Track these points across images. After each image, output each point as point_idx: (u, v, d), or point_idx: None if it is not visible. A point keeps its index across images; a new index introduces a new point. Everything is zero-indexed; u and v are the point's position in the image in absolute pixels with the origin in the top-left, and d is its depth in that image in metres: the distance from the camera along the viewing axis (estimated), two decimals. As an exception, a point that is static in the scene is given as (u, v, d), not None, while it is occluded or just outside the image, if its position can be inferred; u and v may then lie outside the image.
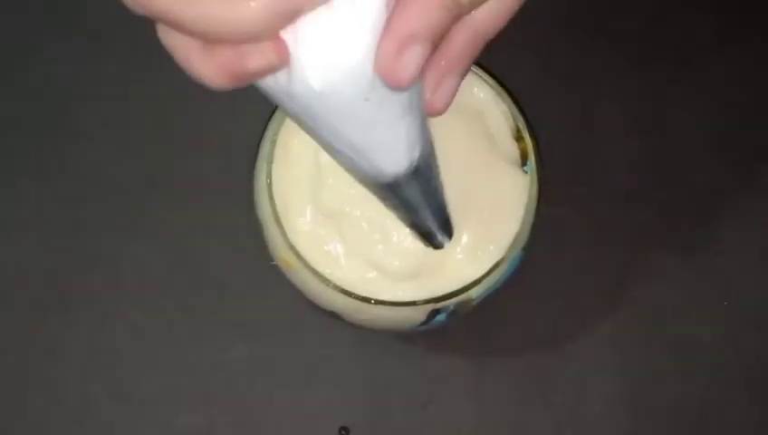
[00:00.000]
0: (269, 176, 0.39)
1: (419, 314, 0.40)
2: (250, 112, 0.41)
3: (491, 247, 0.39)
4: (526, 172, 0.40)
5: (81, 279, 0.48)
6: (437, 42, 0.24)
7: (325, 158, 0.39)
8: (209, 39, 0.23)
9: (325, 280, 0.38)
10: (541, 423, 0.47)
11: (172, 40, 0.24)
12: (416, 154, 0.29)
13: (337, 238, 0.39)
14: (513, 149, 0.41)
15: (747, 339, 0.49)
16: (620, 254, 0.50)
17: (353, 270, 0.39)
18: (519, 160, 0.41)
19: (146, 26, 0.49)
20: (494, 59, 0.51)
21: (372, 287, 0.39)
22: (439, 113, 0.27)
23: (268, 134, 0.40)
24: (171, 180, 0.50)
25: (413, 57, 0.23)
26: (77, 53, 0.51)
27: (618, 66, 0.53)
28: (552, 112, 0.51)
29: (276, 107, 0.40)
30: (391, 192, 0.31)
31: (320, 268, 0.39)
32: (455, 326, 0.45)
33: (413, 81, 0.24)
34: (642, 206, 0.50)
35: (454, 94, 0.26)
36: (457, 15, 0.24)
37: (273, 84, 0.25)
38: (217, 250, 0.49)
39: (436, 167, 0.33)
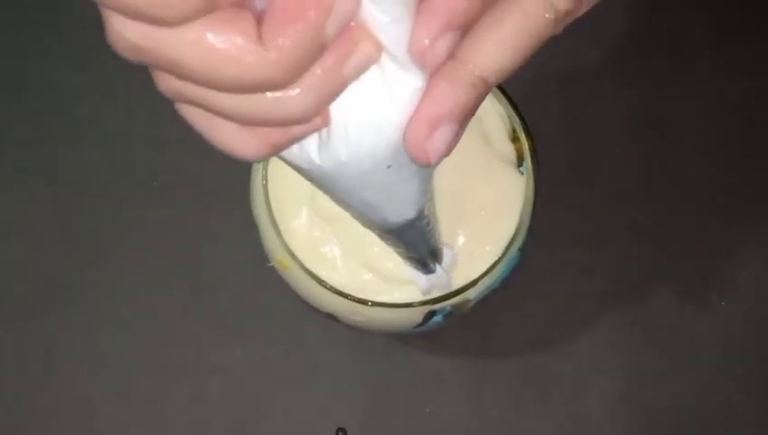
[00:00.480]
0: (265, 177, 0.39)
1: (416, 316, 0.40)
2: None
3: (487, 248, 0.39)
4: (522, 173, 0.40)
5: (78, 281, 0.48)
6: (467, 121, 0.24)
7: None
8: (253, 125, 0.22)
9: (321, 282, 0.38)
10: (538, 424, 0.47)
11: (196, 117, 0.23)
12: (423, 203, 0.29)
13: (333, 240, 0.39)
14: (509, 150, 0.41)
15: (745, 338, 0.49)
16: (617, 254, 0.50)
17: (349, 272, 0.39)
18: (515, 161, 0.41)
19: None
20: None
21: (368, 289, 0.39)
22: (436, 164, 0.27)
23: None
24: (167, 181, 0.50)
25: (443, 137, 0.23)
26: (74, 53, 0.51)
27: (614, 67, 0.53)
28: (549, 113, 0.51)
29: None
30: (393, 235, 0.31)
31: (316, 270, 0.38)
32: (452, 327, 0.45)
33: (441, 158, 0.24)
34: (639, 206, 0.50)
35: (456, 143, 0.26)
36: (485, 93, 0.24)
37: (296, 151, 0.24)
38: (214, 252, 0.49)
39: (433, 204, 0.34)
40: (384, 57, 0.22)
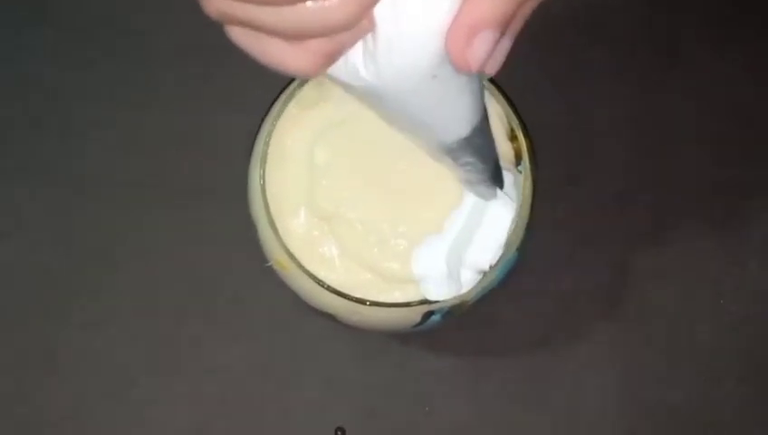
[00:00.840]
0: (262, 177, 0.39)
1: (415, 315, 0.40)
2: (245, 111, 0.41)
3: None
4: (520, 172, 0.40)
5: (76, 281, 0.48)
6: (506, 28, 0.24)
7: (320, 159, 0.39)
8: (301, 38, 0.23)
9: (320, 282, 0.38)
10: (537, 423, 0.47)
11: (245, 38, 0.24)
12: (477, 119, 0.29)
13: (331, 240, 0.39)
14: (507, 149, 0.41)
15: (744, 338, 0.49)
16: (615, 253, 0.50)
17: (348, 272, 0.39)
18: (513, 161, 0.41)
19: (138, 27, 0.49)
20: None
21: (367, 289, 0.39)
22: (491, 75, 0.27)
23: (262, 134, 0.40)
24: (165, 181, 0.50)
25: (483, 44, 0.24)
26: (73, 54, 0.51)
27: (611, 67, 0.53)
28: (547, 113, 0.51)
29: (271, 105, 0.40)
30: (450, 155, 0.32)
31: (314, 270, 0.38)
32: (451, 326, 0.45)
33: (482, 66, 0.24)
34: (637, 205, 0.50)
35: (505, 56, 0.26)
36: (523, 3, 0.25)
37: (342, 67, 0.25)
38: (213, 251, 0.49)
39: (488, 123, 0.34)
40: None
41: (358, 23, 0.22)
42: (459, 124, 0.29)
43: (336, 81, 0.25)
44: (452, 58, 0.24)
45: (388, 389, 0.47)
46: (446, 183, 0.39)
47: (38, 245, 0.49)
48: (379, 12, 0.23)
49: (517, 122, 0.40)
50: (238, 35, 0.24)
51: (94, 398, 0.47)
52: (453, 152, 0.31)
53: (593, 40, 0.53)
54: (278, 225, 0.39)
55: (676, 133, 0.52)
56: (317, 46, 0.23)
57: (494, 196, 0.38)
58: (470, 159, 0.33)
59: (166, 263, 0.48)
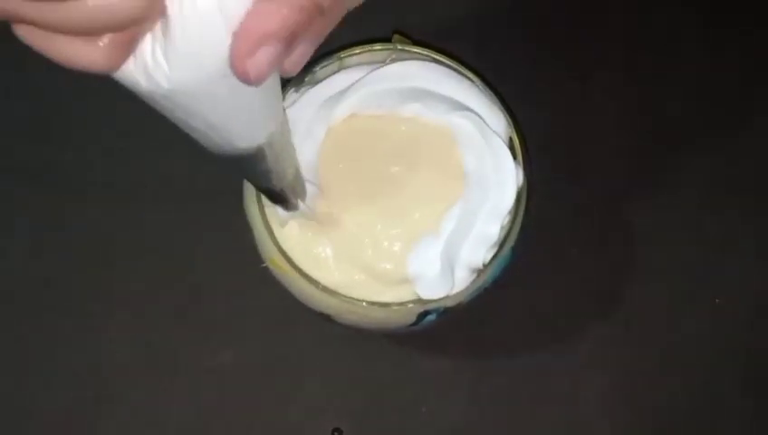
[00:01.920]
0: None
1: (410, 315, 0.40)
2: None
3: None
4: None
5: (73, 283, 0.48)
6: (293, 42, 0.23)
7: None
8: (91, 34, 0.22)
9: (314, 282, 0.38)
10: (535, 423, 0.47)
11: (35, 39, 0.23)
12: (274, 125, 0.28)
13: (326, 241, 0.39)
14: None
15: (740, 336, 0.49)
16: (611, 253, 0.50)
17: (342, 272, 0.39)
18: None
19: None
20: (484, 59, 0.52)
21: (362, 289, 0.39)
22: (291, 75, 0.26)
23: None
24: (162, 183, 0.50)
25: (265, 57, 0.22)
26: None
27: (608, 66, 0.53)
28: (543, 112, 0.52)
29: None
30: (248, 160, 0.31)
31: (309, 271, 0.39)
32: (447, 326, 0.45)
33: (264, 78, 0.23)
34: (633, 204, 0.50)
35: (305, 61, 0.25)
36: (316, 18, 0.23)
37: (132, 67, 0.24)
38: (209, 253, 0.49)
39: (287, 133, 0.33)
40: None
41: (148, 13, 0.22)
42: (255, 130, 0.28)
43: (124, 81, 0.25)
44: (232, 65, 0.23)
45: (385, 389, 0.47)
46: (440, 184, 0.40)
47: (32, 247, 0.49)
48: (172, 5, 0.22)
49: (510, 121, 0.40)
50: (26, 34, 0.23)
51: (92, 399, 0.47)
52: (250, 160, 0.30)
53: (588, 39, 0.53)
54: (273, 226, 0.39)
55: (672, 131, 0.52)
56: (110, 38, 0.22)
57: (297, 208, 0.37)
58: (268, 168, 0.32)
59: (162, 264, 0.49)
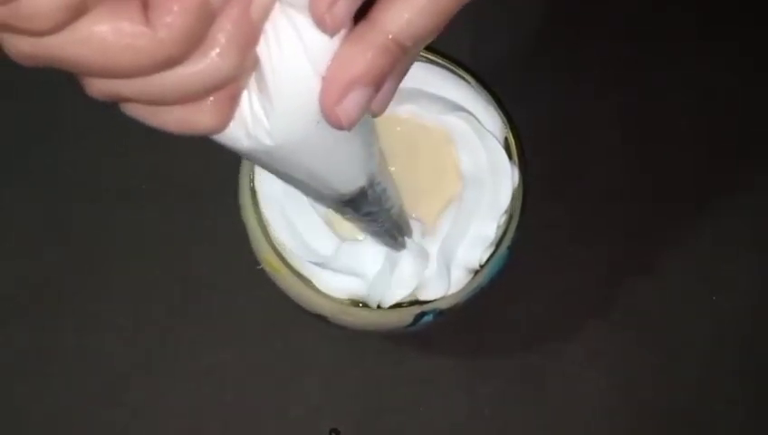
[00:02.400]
0: (252, 179, 0.39)
1: (406, 316, 0.40)
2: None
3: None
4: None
5: (69, 284, 0.48)
6: (380, 84, 0.23)
7: None
8: (194, 99, 0.22)
9: (310, 284, 0.38)
10: (533, 422, 0.47)
11: (141, 113, 0.23)
12: (372, 165, 0.28)
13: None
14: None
15: (737, 333, 0.49)
16: (608, 252, 0.50)
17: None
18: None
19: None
20: (481, 57, 0.52)
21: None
22: (379, 115, 0.26)
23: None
24: (159, 185, 0.50)
25: (355, 101, 0.23)
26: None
27: (604, 64, 0.52)
28: (539, 111, 0.51)
29: None
30: (350, 207, 0.31)
31: (305, 273, 0.38)
32: (444, 327, 0.45)
33: (355, 122, 0.23)
34: (630, 202, 0.50)
35: (391, 99, 0.25)
36: (403, 58, 0.23)
37: (231, 126, 0.24)
38: (206, 254, 0.49)
39: (386, 170, 0.33)
40: (291, 10, 0.21)
41: (244, 68, 0.22)
42: (354, 173, 0.28)
43: (225, 141, 0.24)
44: (323, 113, 0.23)
45: (382, 390, 0.47)
46: (437, 184, 0.40)
47: (28, 249, 0.49)
48: (259, 51, 0.22)
49: (506, 121, 0.40)
50: (133, 110, 0.23)
51: (89, 400, 0.47)
52: (352, 204, 0.30)
53: (584, 38, 0.53)
54: (268, 227, 0.39)
55: (668, 129, 0.52)
56: (214, 98, 0.22)
57: (404, 246, 0.37)
58: (372, 209, 0.32)
59: (159, 265, 0.49)
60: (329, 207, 0.31)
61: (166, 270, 0.49)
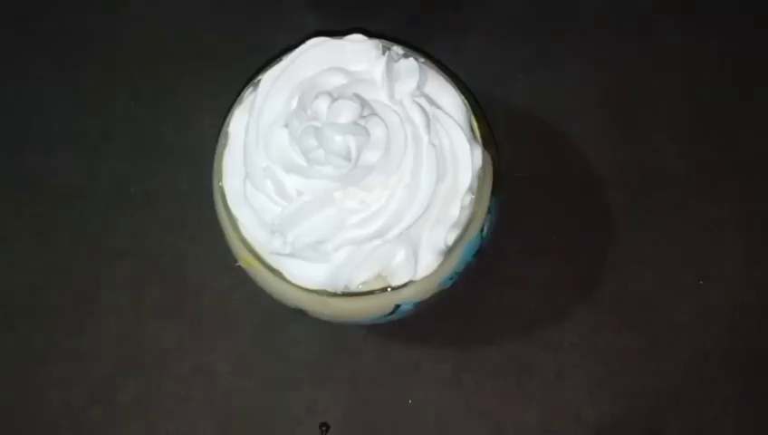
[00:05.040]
0: (220, 177, 0.40)
1: (385, 305, 0.40)
2: (218, 114, 0.42)
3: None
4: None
5: (59, 286, 0.49)
6: None
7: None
8: None
9: (281, 276, 0.39)
10: (521, 410, 0.47)
11: None
12: None
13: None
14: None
15: (725, 318, 0.48)
16: (594, 238, 0.50)
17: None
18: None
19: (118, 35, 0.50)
20: (463, 45, 0.52)
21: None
22: None
23: (221, 135, 0.41)
24: (146, 187, 0.51)
25: None
26: (51, 63, 0.53)
27: (582, 51, 0.52)
28: (519, 98, 0.52)
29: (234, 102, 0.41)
30: None
31: (276, 265, 0.39)
32: (430, 317, 0.45)
33: None
34: (613, 189, 0.50)
35: None
36: None
37: None
38: (193, 253, 0.49)
39: None
40: None
41: None
42: None
43: None
44: None
45: (371, 382, 0.47)
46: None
47: (17, 251, 0.50)
48: None
49: (466, 101, 0.40)
50: None
51: (79, 401, 0.47)
52: None
53: (565, 24, 0.53)
54: (239, 224, 0.39)
55: (650, 115, 0.51)
56: None
57: None
58: None
59: (147, 267, 0.49)
60: None
61: (154, 271, 0.49)
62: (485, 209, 0.40)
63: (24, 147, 0.52)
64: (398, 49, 0.40)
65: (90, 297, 0.49)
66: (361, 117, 0.36)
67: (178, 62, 0.53)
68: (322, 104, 0.36)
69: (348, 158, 0.36)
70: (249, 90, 0.41)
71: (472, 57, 0.52)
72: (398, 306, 0.41)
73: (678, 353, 0.47)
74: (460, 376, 0.47)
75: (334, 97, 0.37)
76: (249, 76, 0.42)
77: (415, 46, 0.41)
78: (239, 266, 0.42)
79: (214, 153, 0.41)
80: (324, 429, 0.47)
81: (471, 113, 0.40)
